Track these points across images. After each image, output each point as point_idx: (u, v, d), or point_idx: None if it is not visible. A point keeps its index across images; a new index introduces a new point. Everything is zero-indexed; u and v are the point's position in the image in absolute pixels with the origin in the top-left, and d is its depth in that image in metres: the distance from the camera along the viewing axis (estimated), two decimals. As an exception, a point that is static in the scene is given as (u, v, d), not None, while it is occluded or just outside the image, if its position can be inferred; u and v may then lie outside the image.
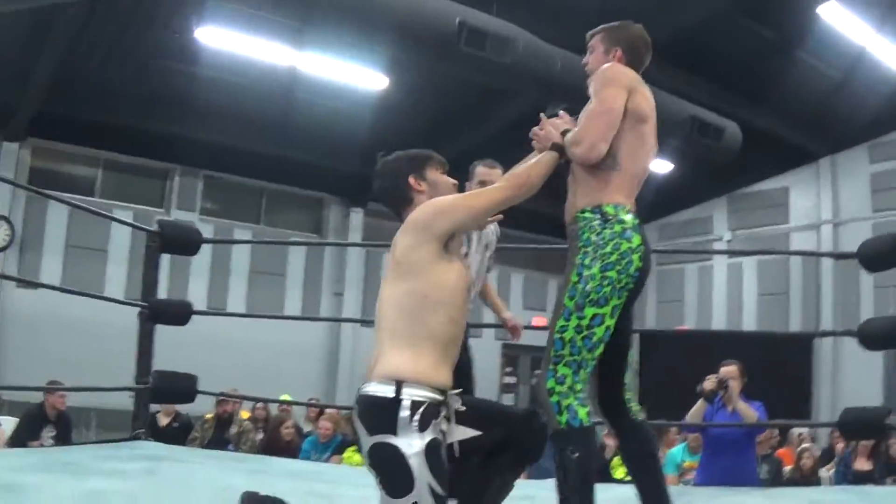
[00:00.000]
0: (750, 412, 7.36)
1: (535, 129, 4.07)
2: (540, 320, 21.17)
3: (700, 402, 7.42)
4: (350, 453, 9.48)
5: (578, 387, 3.73)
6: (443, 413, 3.48)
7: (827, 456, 11.48)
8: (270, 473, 6.22)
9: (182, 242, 7.83)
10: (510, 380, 21.39)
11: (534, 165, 3.82)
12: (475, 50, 11.12)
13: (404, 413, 3.36)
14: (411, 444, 3.34)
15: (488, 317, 20.30)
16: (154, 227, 7.69)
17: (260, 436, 11.15)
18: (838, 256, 9.75)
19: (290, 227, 18.47)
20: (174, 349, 12.55)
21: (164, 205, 16.71)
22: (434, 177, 3.81)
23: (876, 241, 7.43)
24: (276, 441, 10.71)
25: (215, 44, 13.04)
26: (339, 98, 14.74)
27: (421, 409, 3.37)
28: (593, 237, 3.80)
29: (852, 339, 17.51)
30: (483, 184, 5.27)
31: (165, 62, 13.52)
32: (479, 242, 5.68)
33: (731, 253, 19.47)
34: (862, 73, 15.54)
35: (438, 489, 3.36)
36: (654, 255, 4.00)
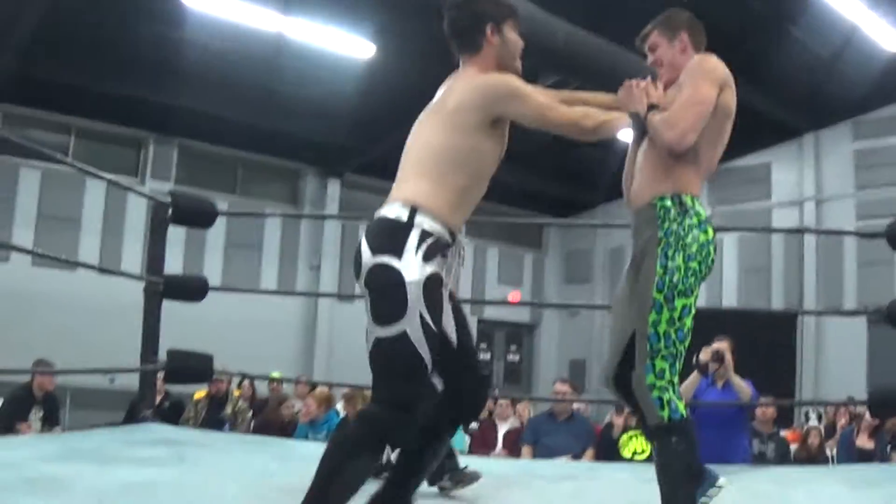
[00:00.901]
0: (745, 387, 7.33)
1: (632, 82, 3.85)
2: (516, 295, 21.14)
3: (694, 375, 7.43)
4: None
5: (675, 379, 3.64)
6: (449, 255, 3.45)
7: (828, 432, 11.46)
8: (300, 459, 5.93)
9: (197, 214, 7.49)
10: (485, 356, 21.27)
11: (611, 121, 3.71)
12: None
13: (413, 240, 3.33)
14: (412, 271, 3.28)
15: (465, 292, 20.12)
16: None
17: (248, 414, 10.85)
18: (863, 235, 9.50)
19: (266, 198, 18.17)
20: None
21: (138, 174, 16.31)
22: (510, 34, 3.74)
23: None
24: (274, 421, 10.43)
25: (201, 7, 12.53)
26: (325, 66, 14.31)
27: (429, 240, 3.34)
28: (674, 227, 3.69)
29: (835, 316, 17.60)
30: None
31: (148, 25, 13.00)
32: None
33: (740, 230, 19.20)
34: (852, 50, 15.39)
35: (430, 322, 3.28)
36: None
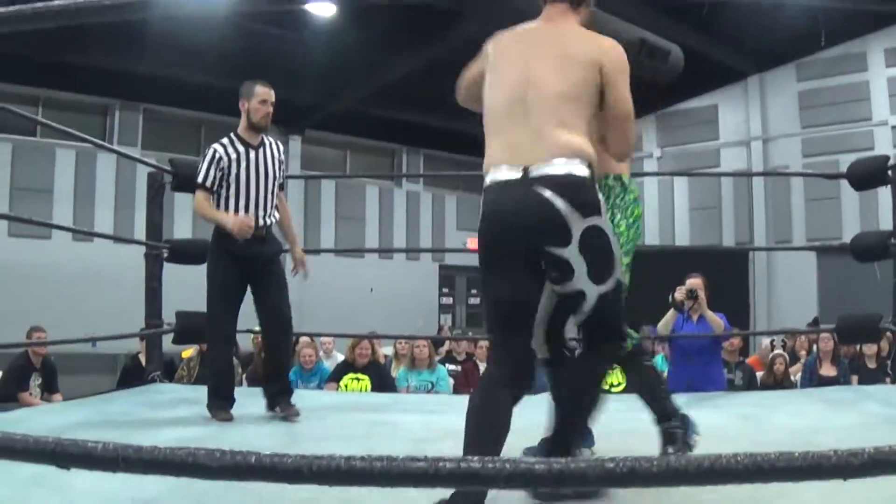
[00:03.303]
0: (718, 320, 7.81)
1: None
2: (474, 241, 21.44)
3: (671, 312, 7.80)
4: (347, 381, 9.54)
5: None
6: None
7: (791, 360, 11.94)
8: (320, 406, 6.33)
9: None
10: (447, 300, 21.69)
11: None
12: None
13: (600, 195, 3.39)
14: (607, 225, 3.39)
15: (425, 240, 20.40)
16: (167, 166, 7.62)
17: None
18: (828, 177, 9.97)
19: (232, 157, 18.22)
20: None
21: (105, 140, 16.42)
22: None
23: (864, 162, 7.73)
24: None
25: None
26: (285, 25, 14.56)
27: (600, 193, 3.44)
28: (618, 201, 4.27)
29: (785, 252, 18.04)
30: (265, 102, 6.04)
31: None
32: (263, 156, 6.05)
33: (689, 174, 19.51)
34: (796, -5, 15.81)
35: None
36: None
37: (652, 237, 20.14)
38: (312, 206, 18.99)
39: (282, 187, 6.25)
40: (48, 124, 7.48)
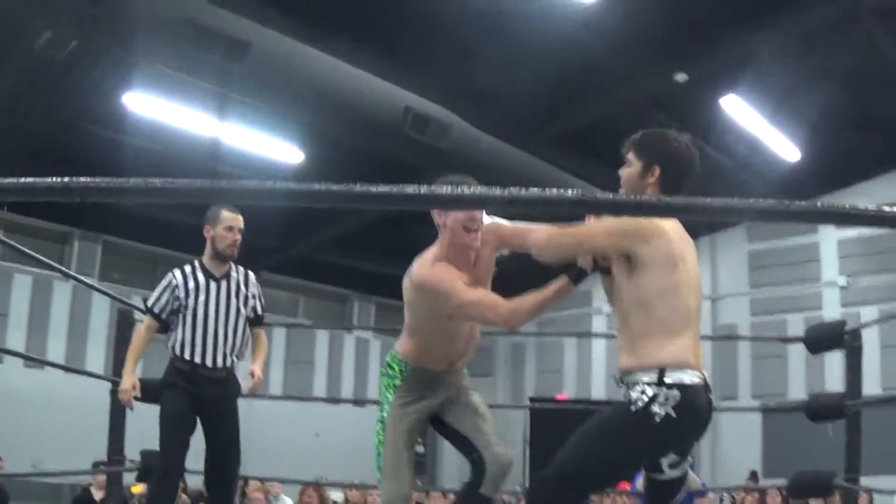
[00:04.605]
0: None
1: None
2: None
3: None
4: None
5: None
6: None
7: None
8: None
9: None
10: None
11: None
12: (417, 134, 11.44)
13: None
14: None
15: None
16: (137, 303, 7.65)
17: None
18: (785, 340, 10.23)
19: (182, 295, 18.26)
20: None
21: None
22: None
23: (822, 327, 7.97)
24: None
25: (141, 110, 12.85)
26: (255, 170, 14.75)
27: None
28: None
29: (729, 411, 18.12)
30: (231, 229, 5.60)
31: (86, 125, 13.33)
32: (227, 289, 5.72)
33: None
34: (754, 161, 16.29)
35: None
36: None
37: (599, 392, 20.09)
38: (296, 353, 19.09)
39: (259, 321, 5.86)
40: (8, 243, 7.33)
